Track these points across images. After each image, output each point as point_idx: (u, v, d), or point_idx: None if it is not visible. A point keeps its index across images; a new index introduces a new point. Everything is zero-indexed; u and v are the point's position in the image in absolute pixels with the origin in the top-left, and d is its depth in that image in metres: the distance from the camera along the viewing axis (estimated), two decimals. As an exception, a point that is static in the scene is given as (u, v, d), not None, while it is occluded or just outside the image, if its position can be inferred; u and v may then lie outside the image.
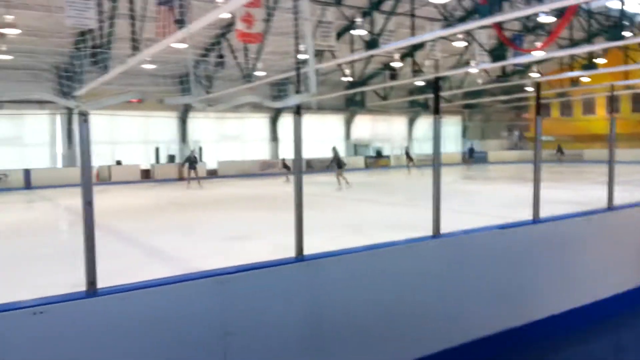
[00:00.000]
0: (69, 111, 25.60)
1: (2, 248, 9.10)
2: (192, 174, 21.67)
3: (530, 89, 33.23)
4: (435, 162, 3.86)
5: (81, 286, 2.83)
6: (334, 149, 18.85)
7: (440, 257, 3.94)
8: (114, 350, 2.75)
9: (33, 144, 25.47)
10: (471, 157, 31.55)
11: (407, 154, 28.84)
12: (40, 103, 25.10)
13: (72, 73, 16.11)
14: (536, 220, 4.72)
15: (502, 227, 4.38)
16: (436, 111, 3.72)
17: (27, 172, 23.53)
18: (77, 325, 2.68)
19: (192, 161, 21.69)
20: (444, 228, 4.02)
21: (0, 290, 6.06)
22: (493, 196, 15.53)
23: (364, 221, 11.17)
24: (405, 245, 3.84)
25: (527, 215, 4.80)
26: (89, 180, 2.77)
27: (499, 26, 16.48)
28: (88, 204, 2.76)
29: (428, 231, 3.99)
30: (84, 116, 2.64)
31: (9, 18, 14.98)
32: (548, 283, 4.62)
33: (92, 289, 2.77)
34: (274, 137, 32.76)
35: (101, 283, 2.85)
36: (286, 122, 32.84)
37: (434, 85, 4.08)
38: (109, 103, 2.93)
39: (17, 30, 15.30)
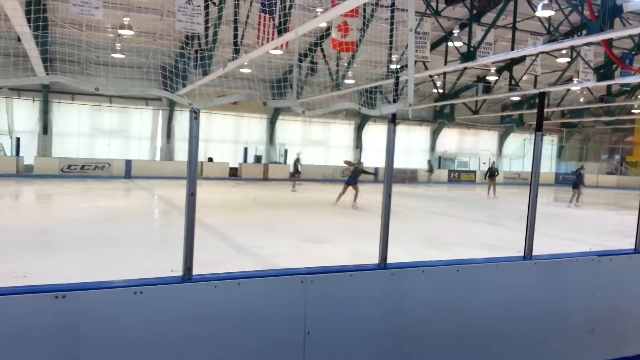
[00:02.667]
0: (171, 109, 27.31)
1: (107, 231, 9.88)
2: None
3: (637, 111, 30.78)
4: (533, 181, 3.71)
5: (178, 271, 3.03)
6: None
7: (530, 281, 3.79)
8: (203, 334, 2.91)
9: (136, 137, 27.45)
10: (577, 188, 19.27)
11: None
12: (146, 100, 27.03)
13: (178, 73, 17.23)
14: (638, 250, 4.39)
15: (600, 254, 4.12)
16: (539, 128, 3.58)
17: (128, 163, 25.40)
18: (172, 308, 2.87)
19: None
20: (534, 251, 3.86)
21: (106, 268, 6.61)
22: (588, 222, 14.56)
23: (443, 235, 10.93)
24: (492, 264, 3.73)
25: (626, 244, 4.48)
26: (195, 173, 2.96)
27: (607, 43, 15.44)
28: (192, 195, 2.94)
29: (510, 252, 3.85)
30: (195, 113, 2.83)
31: (126, 20, 16.29)
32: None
33: (188, 275, 2.96)
34: (358, 145, 32.89)
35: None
36: (371, 130, 32.90)
37: (539, 101, 3.87)
38: (219, 103, 3.12)
39: (131, 31, 16.60)
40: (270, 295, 3.07)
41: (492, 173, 22.93)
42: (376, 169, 28.53)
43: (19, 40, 12.48)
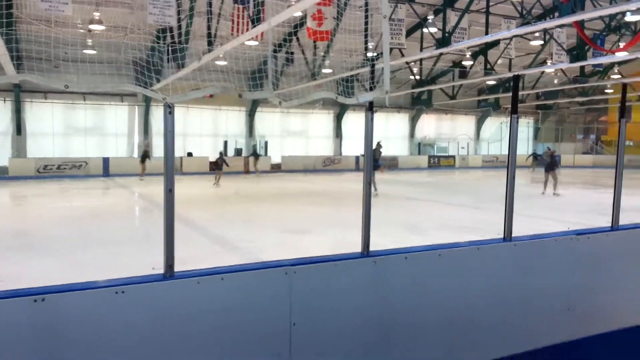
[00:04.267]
0: (147, 104, 26.88)
1: (86, 230, 9.73)
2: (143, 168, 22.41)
3: (610, 90, 31.37)
4: (510, 163, 3.76)
5: (159, 269, 2.99)
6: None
7: (511, 262, 3.84)
8: (188, 331, 2.88)
9: (112, 134, 27.00)
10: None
11: (255, 153, 26.30)
12: (121, 96, 26.55)
13: (150, 68, 16.99)
14: (615, 227, 4.49)
15: (578, 232, 4.20)
16: (514, 110, 3.61)
17: (105, 160, 25.00)
18: (155, 306, 2.83)
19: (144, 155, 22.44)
20: (513, 232, 3.91)
21: (87, 269, 6.52)
22: (565, 201, 14.83)
23: (423, 221, 11.03)
24: (474, 247, 3.76)
25: (603, 222, 4.57)
26: (172, 169, 2.91)
27: (579, 25, 15.64)
28: (170, 192, 2.89)
29: (491, 234, 3.90)
30: (169, 108, 2.77)
31: (96, 15, 15.94)
32: (626, 294, 4.39)
33: (169, 272, 2.92)
34: (338, 134, 32.91)
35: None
36: (351, 118, 32.93)
37: (513, 84, 3.91)
38: (193, 96, 3.06)
39: (102, 26, 16.25)
40: (254, 289, 3.05)
41: (551, 164, 17.18)
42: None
43: (-15, 39, 12.12)
